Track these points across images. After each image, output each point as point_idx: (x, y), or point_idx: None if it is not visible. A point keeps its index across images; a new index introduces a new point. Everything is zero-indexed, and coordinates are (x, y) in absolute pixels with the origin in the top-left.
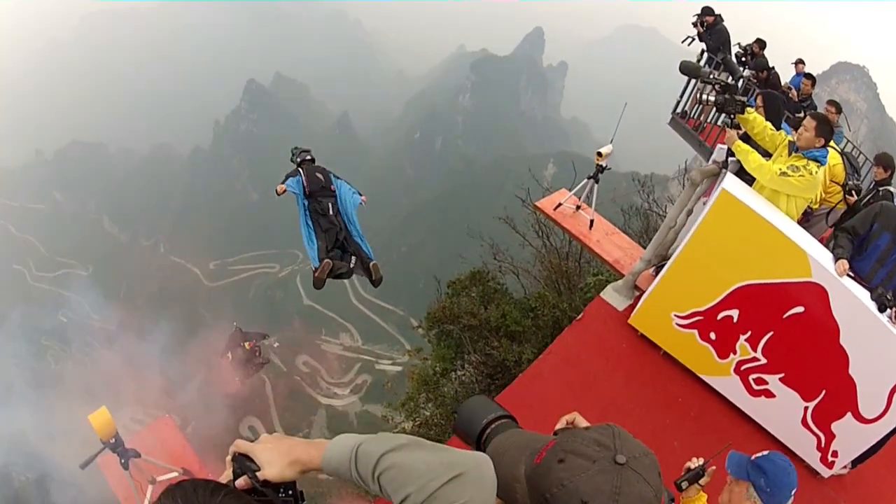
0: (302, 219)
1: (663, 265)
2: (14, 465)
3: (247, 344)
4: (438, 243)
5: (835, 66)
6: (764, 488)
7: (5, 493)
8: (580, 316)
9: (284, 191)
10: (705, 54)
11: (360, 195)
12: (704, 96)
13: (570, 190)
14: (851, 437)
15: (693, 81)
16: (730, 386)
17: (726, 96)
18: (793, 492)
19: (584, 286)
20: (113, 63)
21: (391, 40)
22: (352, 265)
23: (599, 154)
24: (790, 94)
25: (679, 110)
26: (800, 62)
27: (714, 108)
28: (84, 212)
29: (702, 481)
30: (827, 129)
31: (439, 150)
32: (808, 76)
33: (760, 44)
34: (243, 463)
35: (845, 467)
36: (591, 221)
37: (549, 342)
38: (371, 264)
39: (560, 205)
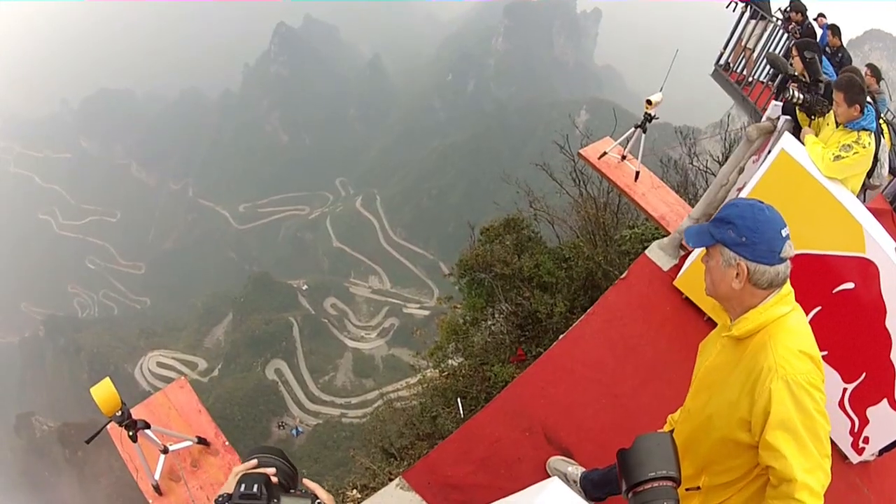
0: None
1: None
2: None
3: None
4: (468, 186)
5: (868, 33)
6: (737, 240)
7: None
8: (624, 275)
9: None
10: (745, 15)
11: None
12: (793, 92)
13: (613, 139)
14: (884, 425)
15: (736, 33)
16: None
17: (818, 96)
18: (783, 231)
19: (620, 238)
20: (140, 9)
21: None
22: None
23: (649, 102)
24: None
25: (722, 62)
26: (821, 16)
27: (800, 104)
28: (111, 158)
29: None
30: (856, 91)
31: (471, 93)
32: (832, 27)
33: (795, 6)
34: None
35: (872, 454)
36: (637, 173)
37: (580, 294)
38: None
39: (605, 153)
